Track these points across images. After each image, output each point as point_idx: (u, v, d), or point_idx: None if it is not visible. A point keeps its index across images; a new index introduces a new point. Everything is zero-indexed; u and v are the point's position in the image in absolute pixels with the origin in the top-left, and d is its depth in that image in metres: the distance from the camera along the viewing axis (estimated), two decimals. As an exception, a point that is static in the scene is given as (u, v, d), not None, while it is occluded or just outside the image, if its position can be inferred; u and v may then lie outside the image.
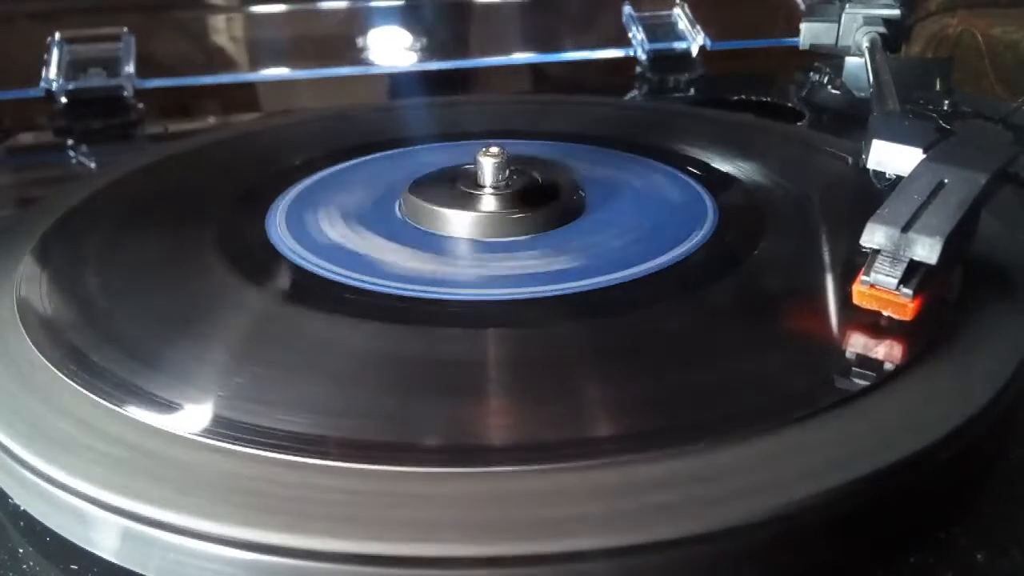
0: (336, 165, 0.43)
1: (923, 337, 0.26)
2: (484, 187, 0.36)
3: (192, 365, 0.26)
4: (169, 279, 0.32)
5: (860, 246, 0.26)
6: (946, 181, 0.27)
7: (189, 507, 0.20)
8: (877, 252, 0.26)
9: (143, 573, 0.21)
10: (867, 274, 0.26)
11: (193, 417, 0.24)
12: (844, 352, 0.26)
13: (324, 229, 0.36)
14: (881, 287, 0.26)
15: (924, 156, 0.29)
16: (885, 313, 0.26)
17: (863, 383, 0.24)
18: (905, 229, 0.26)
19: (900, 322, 0.26)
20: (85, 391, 0.24)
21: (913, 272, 0.26)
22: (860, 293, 0.27)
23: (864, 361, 0.25)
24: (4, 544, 0.23)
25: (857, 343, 0.26)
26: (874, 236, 0.26)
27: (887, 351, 0.26)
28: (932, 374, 0.25)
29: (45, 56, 0.62)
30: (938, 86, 0.57)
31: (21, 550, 0.23)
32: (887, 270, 0.26)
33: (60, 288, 0.31)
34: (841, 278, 0.29)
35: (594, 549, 0.19)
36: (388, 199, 0.38)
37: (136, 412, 0.24)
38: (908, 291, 0.26)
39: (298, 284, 0.31)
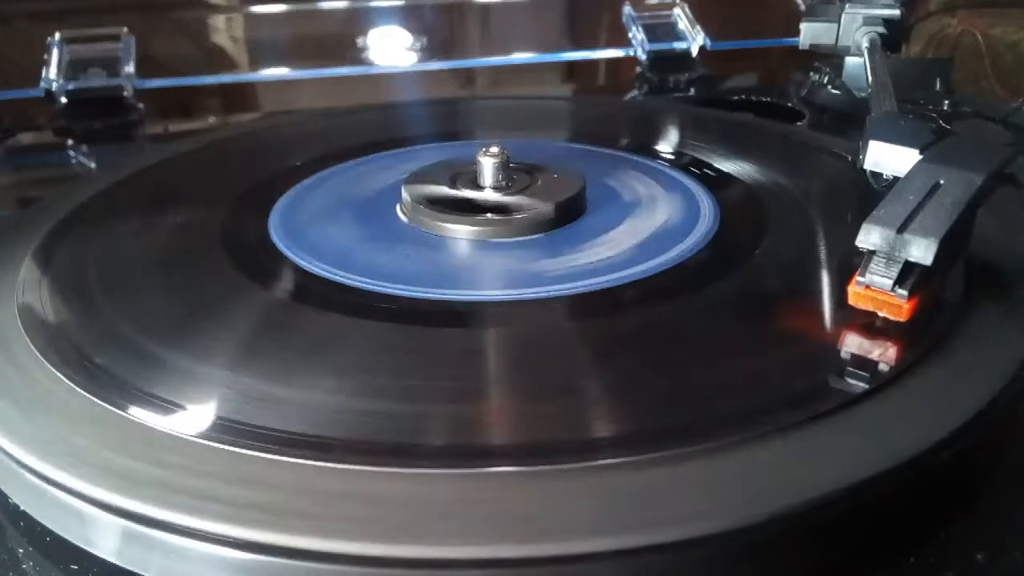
0: (336, 165, 0.43)
1: (921, 338, 0.26)
2: (484, 187, 0.36)
3: (193, 366, 0.26)
4: (169, 280, 0.32)
5: (856, 247, 0.27)
6: (942, 182, 0.27)
7: (189, 507, 0.20)
8: (873, 253, 0.26)
9: (143, 573, 0.21)
10: (862, 275, 0.26)
11: (193, 417, 0.24)
12: (842, 353, 0.26)
13: (325, 229, 0.36)
14: (876, 288, 0.26)
15: (920, 157, 0.29)
16: (880, 314, 0.26)
17: (861, 385, 0.24)
18: (900, 230, 0.26)
19: (896, 323, 0.26)
20: (85, 392, 0.25)
21: (908, 273, 0.26)
22: (856, 294, 0.27)
23: (862, 363, 0.25)
24: (4, 544, 0.23)
25: (855, 344, 0.26)
26: (869, 237, 0.26)
27: (885, 352, 0.26)
28: (931, 375, 0.25)
29: (45, 56, 0.62)
30: (938, 86, 0.57)
31: (21, 550, 0.23)
32: (882, 271, 0.26)
33: (61, 289, 0.31)
34: (839, 279, 0.29)
35: (594, 552, 0.19)
36: (388, 199, 0.38)
37: (136, 413, 0.24)
38: (903, 292, 0.26)
39: (299, 284, 0.32)
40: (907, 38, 0.57)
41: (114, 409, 0.24)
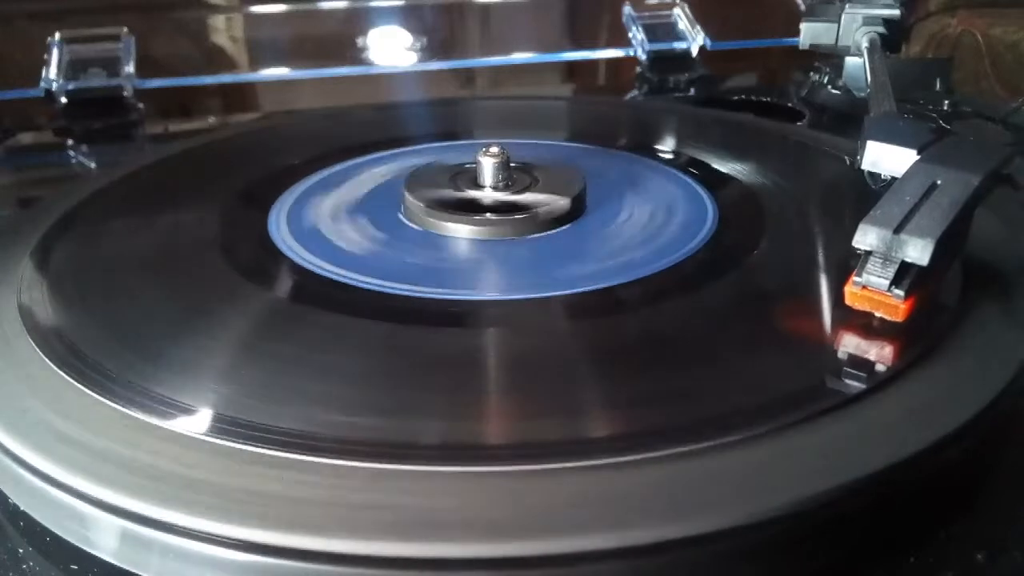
0: (336, 165, 0.43)
1: (918, 338, 0.26)
2: (484, 187, 0.36)
3: (192, 364, 0.26)
4: (170, 279, 0.32)
5: (853, 247, 0.27)
6: (939, 182, 0.27)
7: (189, 507, 0.20)
8: (869, 253, 0.26)
9: (142, 574, 0.21)
10: (859, 275, 0.26)
11: (193, 416, 0.24)
12: (839, 354, 0.26)
13: (324, 229, 0.36)
14: (873, 288, 0.26)
15: (918, 157, 0.29)
16: (877, 314, 0.26)
17: (859, 385, 0.24)
18: (897, 230, 0.26)
19: (893, 323, 0.26)
20: (86, 391, 0.25)
21: (905, 273, 0.26)
22: (852, 294, 0.27)
23: (859, 363, 0.25)
24: (4, 544, 0.23)
25: (852, 344, 0.26)
26: (866, 237, 0.26)
27: (882, 352, 0.26)
28: (929, 375, 0.25)
29: (45, 56, 0.62)
30: (938, 86, 0.57)
31: (21, 550, 0.23)
32: (879, 271, 0.26)
33: (61, 288, 0.31)
34: (836, 279, 0.30)
35: (594, 550, 0.20)
36: (388, 199, 0.38)
37: (136, 412, 0.24)
38: (900, 292, 0.26)
39: (298, 284, 0.32)
40: (907, 38, 0.57)
41: (115, 407, 0.24)
